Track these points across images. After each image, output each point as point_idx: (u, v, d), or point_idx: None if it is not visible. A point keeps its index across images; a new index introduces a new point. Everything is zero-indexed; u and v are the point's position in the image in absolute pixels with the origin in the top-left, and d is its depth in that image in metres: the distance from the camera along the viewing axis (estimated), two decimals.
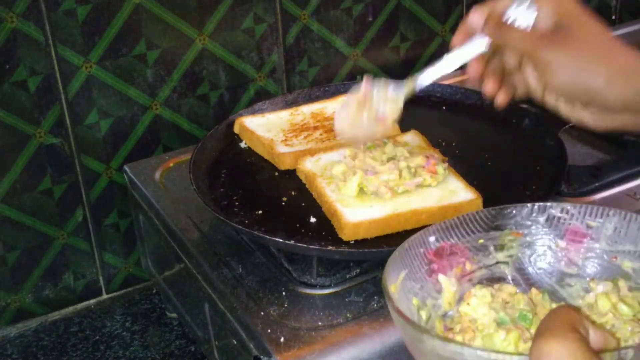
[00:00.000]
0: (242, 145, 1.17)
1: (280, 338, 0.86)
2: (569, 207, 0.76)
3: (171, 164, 1.21)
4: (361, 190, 0.98)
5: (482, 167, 1.08)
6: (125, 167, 1.21)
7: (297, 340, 0.85)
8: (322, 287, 0.93)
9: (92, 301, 1.31)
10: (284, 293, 0.93)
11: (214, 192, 1.06)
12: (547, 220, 0.77)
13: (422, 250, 0.73)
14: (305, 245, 0.92)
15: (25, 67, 1.15)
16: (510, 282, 0.76)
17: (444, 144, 1.13)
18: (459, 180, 1.00)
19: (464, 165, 1.05)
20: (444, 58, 0.85)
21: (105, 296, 1.32)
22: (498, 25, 0.80)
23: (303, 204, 1.02)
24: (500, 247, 0.77)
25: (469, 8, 1.49)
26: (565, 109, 0.80)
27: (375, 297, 0.91)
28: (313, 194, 1.03)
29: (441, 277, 0.74)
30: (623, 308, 0.69)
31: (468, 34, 0.83)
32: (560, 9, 0.78)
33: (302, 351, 0.84)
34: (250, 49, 1.31)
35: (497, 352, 0.59)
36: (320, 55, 1.39)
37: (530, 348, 0.53)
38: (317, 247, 0.92)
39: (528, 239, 0.77)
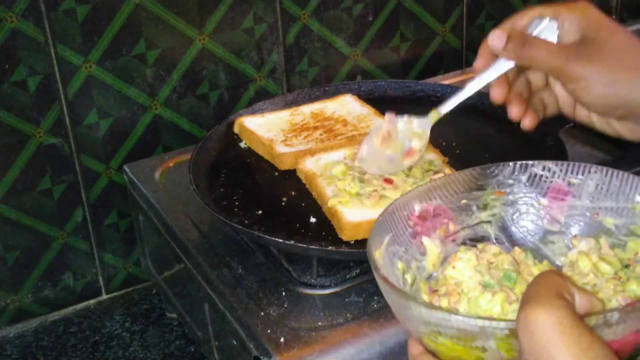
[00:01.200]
0: (242, 145, 1.17)
1: (280, 338, 0.86)
2: (550, 165, 0.76)
3: (171, 164, 1.21)
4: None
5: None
6: (125, 167, 1.21)
7: (297, 341, 0.85)
8: (322, 287, 0.93)
9: (91, 301, 1.31)
10: (284, 293, 0.93)
11: (213, 192, 1.06)
12: (529, 178, 0.76)
13: (405, 213, 0.73)
14: (305, 245, 0.92)
15: (24, 67, 1.15)
16: (494, 241, 0.76)
17: (444, 144, 1.13)
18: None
19: (464, 165, 1.04)
20: (467, 86, 0.84)
21: (104, 296, 1.32)
22: (521, 44, 0.77)
23: (303, 204, 1.02)
24: (483, 207, 0.77)
25: (469, 8, 1.49)
26: (599, 123, 0.79)
27: (376, 297, 0.91)
28: (313, 194, 1.03)
29: (425, 239, 0.73)
30: (604, 267, 0.69)
31: (490, 57, 0.81)
32: (584, 21, 0.76)
33: (302, 351, 0.84)
34: (250, 48, 1.31)
35: (484, 318, 0.59)
36: (320, 55, 1.38)
37: (517, 316, 0.53)
38: (317, 247, 0.92)
39: (510, 197, 0.77)
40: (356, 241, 0.93)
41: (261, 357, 0.86)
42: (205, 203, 0.99)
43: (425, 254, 0.74)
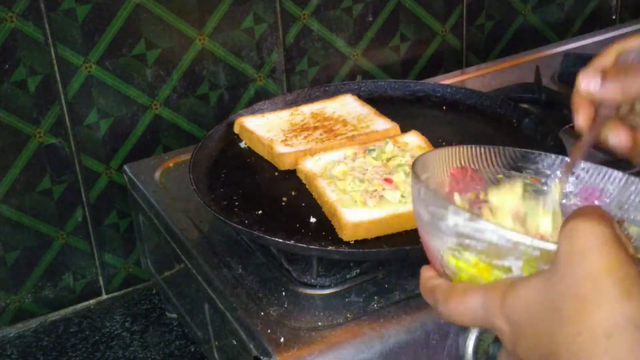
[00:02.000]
0: (242, 145, 1.16)
1: (280, 338, 0.86)
2: (589, 167, 0.75)
3: (171, 164, 1.21)
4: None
5: None
6: (125, 167, 1.21)
7: (297, 341, 0.85)
8: (322, 287, 0.93)
9: (91, 301, 1.31)
10: (284, 293, 0.93)
11: (213, 192, 1.06)
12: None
13: (447, 164, 0.73)
14: (305, 245, 0.92)
15: (24, 67, 1.15)
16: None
17: (444, 144, 1.13)
18: None
19: None
20: (575, 150, 0.76)
21: (104, 296, 1.32)
22: (624, 73, 0.69)
23: (303, 204, 1.02)
24: None
25: (469, 8, 1.49)
26: None
27: (376, 297, 0.91)
28: (313, 194, 1.03)
29: (456, 196, 0.73)
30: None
31: (589, 107, 0.73)
32: None
33: (302, 351, 0.84)
34: (250, 48, 1.31)
35: (521, 234, 0.57)
36: (320, 55, 1.38)
37: (561, 226, 0.52)
38: (317, 247, 0.92)
39: (544, 188, 0.77)
40: (356, 241, 0.93)
41: (261, 357, 0.86)
42: (205, 203, 0.99)
43: None
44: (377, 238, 0.94)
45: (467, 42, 1.52)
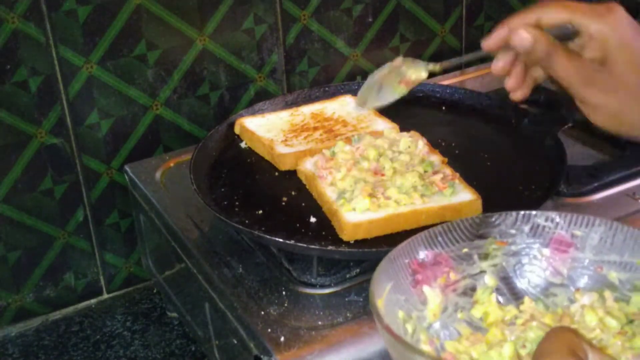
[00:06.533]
0: (243, 145, 1.17)
1: (281, 337, 0.86)
2: (553, 216, 0.75)
3: (172, 164, 1.21)
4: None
5: (482, 167, 1.08)
6: (126, 167, 1.22)
7: (297, 340, 0.86)
8: (322, 286, 0.93)
9: (92, 301, 1.31)
10: (284, 293, 0.93)
11: (214, 192, 1.06)
12: (531, 229, 0.75)
13: (407, 260, 0.72)
14: (305, 245, 0.92)
15: (26, 68, 1.15)
16: (494, 291, 0.76)
17: (443, 144, 1.13)
18: (459, 180, 1.01)
19: (464, 165, 1.06)
20: (468, 55, 0.89)
21: (106, 296, 1.32)
22: (546, 52, 0.78)
23: (303, 204, 1.02)
24: (485, 256, 0.76)
25: (468, 9, 1.50)
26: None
27: None
28: (313, 194, 1.03)
29: (426, 289, 0.72)
30: (610, 322, 0.68)
31: (503, 42, 0.81)
32: (612, 40, 0.76)
33: (302, 351, 0.85)
34: (250, 49, 1.32)
35: None
36: (320, 56, 1.39)
37: None
38: (317, 247, 0.92)
39: (513, 247, 0.76)
40: (356, 241, 0.94)
41: (261, 356, 0.86)
42: (206, 203, 1.00)
43: (426, 304, 0.73)
44: (377, 238, 0.94)
45: (466, 43, 1.53)
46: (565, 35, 0.81)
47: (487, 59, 0.90)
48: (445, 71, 1.51)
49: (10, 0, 1.11)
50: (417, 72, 0.94)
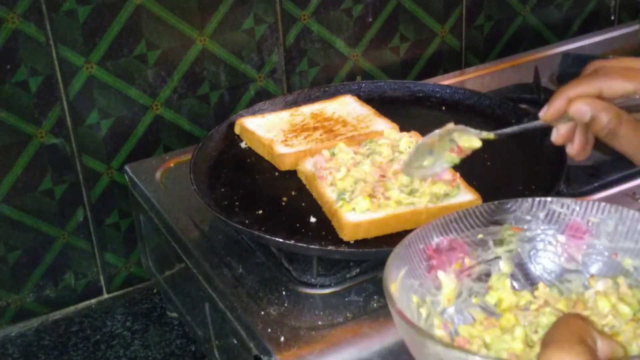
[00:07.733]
0: (243, 145, 1.17)
1: (281, 337, 0.86)
2: (569, 203, 0.75)
3: (172, 164, 1.21)
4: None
5: (482, 167, 1.08)
6: (126, 167, 1.22)
7: (297, 340, 0.86)
8: (322, 286, 0.94)
9: (92, 301, 1.31)
10: (284, 293, 0.93)
11: (214, 192, 1.06)
12: (547, 215, 0.76)
13: (421, 246, 0.72)
14: (305, 245, 0.92)
15: (26, 68, 1.15)
16: (509, 277, 0.76)
17: None
18: (459, 180, 1.01)
19: (464, 165, 1.05)
20: (526, 122, 0.85)
21: (106, 296, 1.32)
22: (613, 121, 0.75)
23: (303, 204, 1.02)
24: (500, 242, 0.76)
25: (468, 9, 1.50)
26: None
27: (375, 297, 0.91)
28: (313, 194, 1.03)
29: (440, 274, 0.73)
30: (623, 308, 0.68)
31: (560, 113, 0.79)
32: None
33: (302, 350, 0.85)
34: (250, 49, 1.32)
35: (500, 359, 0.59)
36: (320, 56, 1.39)
37: (538, 358, 0.53)
38: (317, 247, 0.92)
39: (528, 234, 0.76)
40: (356, 241, 0.94)
41: (261, 356, 0.86)
42: (206, 203, 1.00)
43: (440, 289, 0.73)
44: (377, 238, 0.94)
45: (466, 43, 1.53)
46: (631, 107, 0.78)
47: None
48: (445, 70, 1.52)
49: (10, 0, 1.11)
50: (470, 142, 0.90)
